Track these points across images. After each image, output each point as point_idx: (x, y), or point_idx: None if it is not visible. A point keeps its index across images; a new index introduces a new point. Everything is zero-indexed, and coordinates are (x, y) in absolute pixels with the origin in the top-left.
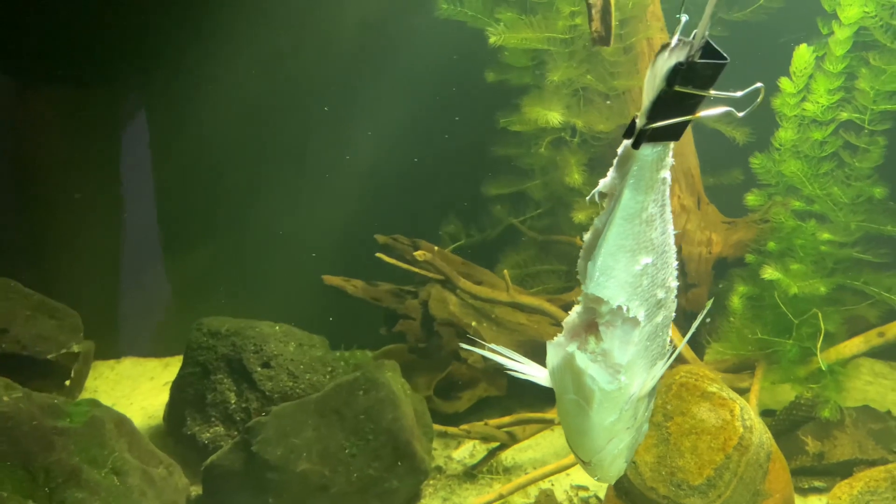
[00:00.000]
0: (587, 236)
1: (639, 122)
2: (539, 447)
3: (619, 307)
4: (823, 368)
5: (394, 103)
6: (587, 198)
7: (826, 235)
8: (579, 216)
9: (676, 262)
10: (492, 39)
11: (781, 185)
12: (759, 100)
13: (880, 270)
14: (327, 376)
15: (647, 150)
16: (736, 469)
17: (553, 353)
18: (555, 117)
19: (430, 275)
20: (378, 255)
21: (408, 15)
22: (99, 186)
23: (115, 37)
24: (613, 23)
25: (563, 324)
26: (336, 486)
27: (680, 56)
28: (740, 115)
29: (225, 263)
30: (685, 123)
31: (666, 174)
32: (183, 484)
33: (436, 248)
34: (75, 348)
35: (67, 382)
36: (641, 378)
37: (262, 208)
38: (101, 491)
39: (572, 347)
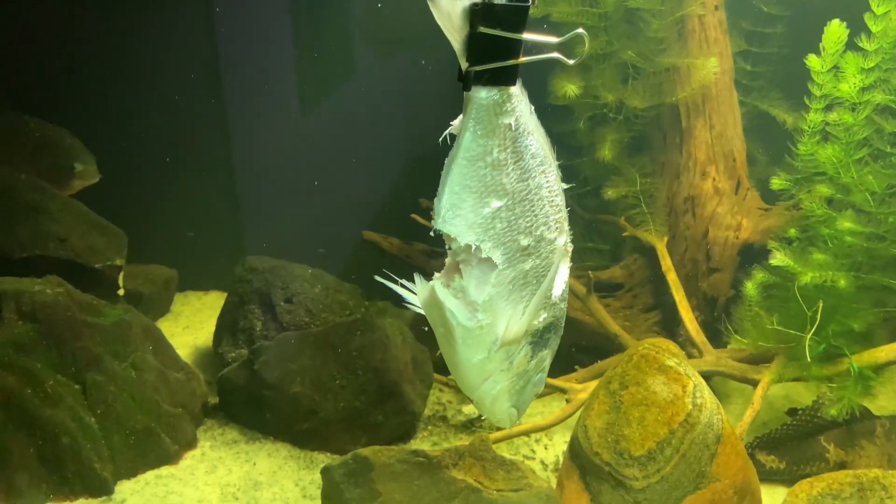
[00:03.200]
0: (441, 175)
1: (462, 66)
2: (546, 412)
3: (470, 246)
4: (854, 369)
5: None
6: (439, 138)
7: (847, 225)
8: (609, 193)
9: (558, 215)
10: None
11: (809, 170)
12: (586, 47)
13: None
14: (343, 317)
15: (483, 94)
16: (679, 446)
17: (420, 287)
18: (572, 90)
19: None
20: (413, 216)
21: None
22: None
23: None
24: None
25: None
26: (324, 412)
27: None
28: (571, 62)
29: (312, 223)
30: (515, 67)
31: (510, 120)
32: (201, 391)
33: None
34: (118, 262)
35: (121, 292)
36: (506, 321)
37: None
38: (117, 379)
39: (436, 281)
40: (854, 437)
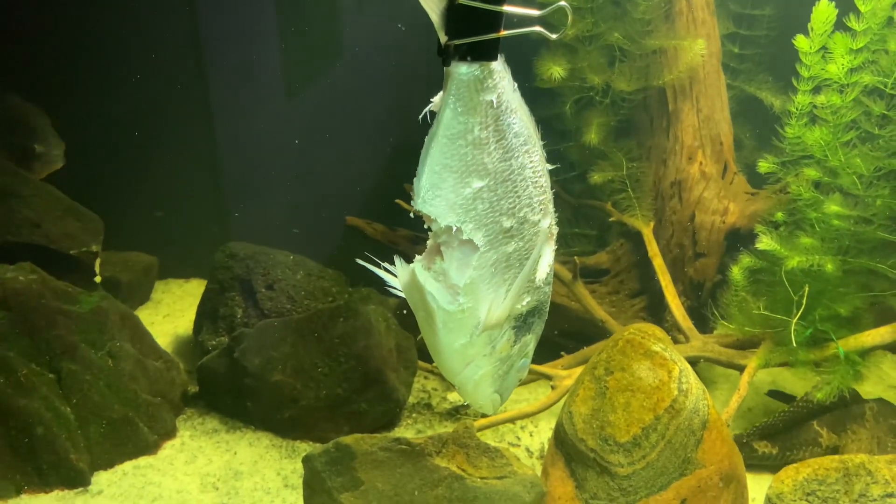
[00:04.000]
0: (421, 154)
1: (441, 39)
2: (531, 398)
3: (451, 227)
4: (841, 353)
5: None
6: (419, 116)
7: (834, 208)
8: (595, 177)
9: (543, 197)
10: None
11: (797, 153)
12: (569, 21)
13: None
14: (326, 304)
15: (463, 69)
16: (664, 432)
17: (401, 270)
18: (558, 72)
19: None
20: (397, 201)
21: None
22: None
23: None
24: None
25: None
26: (306, 400)
27: None
28: (553, 36)
29: (295, 209)
30: (497, 41)
31: (492, 97)
32: (181, 380)
33: None
34: (94, 248)
35: (97, 279)
36: (488, 305)
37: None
38: (93, 368)
39: (417, 264)
40: (845, 421)
